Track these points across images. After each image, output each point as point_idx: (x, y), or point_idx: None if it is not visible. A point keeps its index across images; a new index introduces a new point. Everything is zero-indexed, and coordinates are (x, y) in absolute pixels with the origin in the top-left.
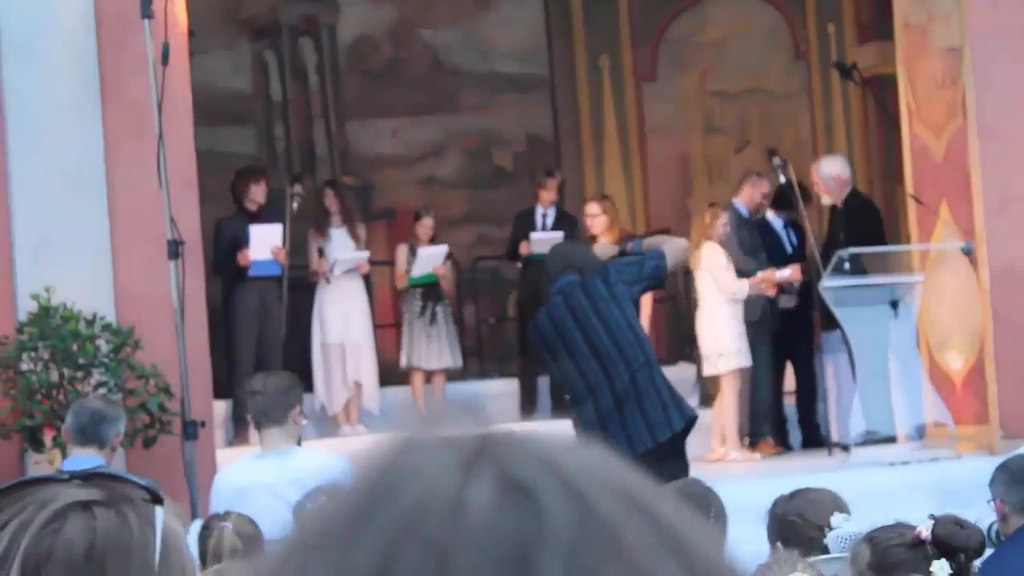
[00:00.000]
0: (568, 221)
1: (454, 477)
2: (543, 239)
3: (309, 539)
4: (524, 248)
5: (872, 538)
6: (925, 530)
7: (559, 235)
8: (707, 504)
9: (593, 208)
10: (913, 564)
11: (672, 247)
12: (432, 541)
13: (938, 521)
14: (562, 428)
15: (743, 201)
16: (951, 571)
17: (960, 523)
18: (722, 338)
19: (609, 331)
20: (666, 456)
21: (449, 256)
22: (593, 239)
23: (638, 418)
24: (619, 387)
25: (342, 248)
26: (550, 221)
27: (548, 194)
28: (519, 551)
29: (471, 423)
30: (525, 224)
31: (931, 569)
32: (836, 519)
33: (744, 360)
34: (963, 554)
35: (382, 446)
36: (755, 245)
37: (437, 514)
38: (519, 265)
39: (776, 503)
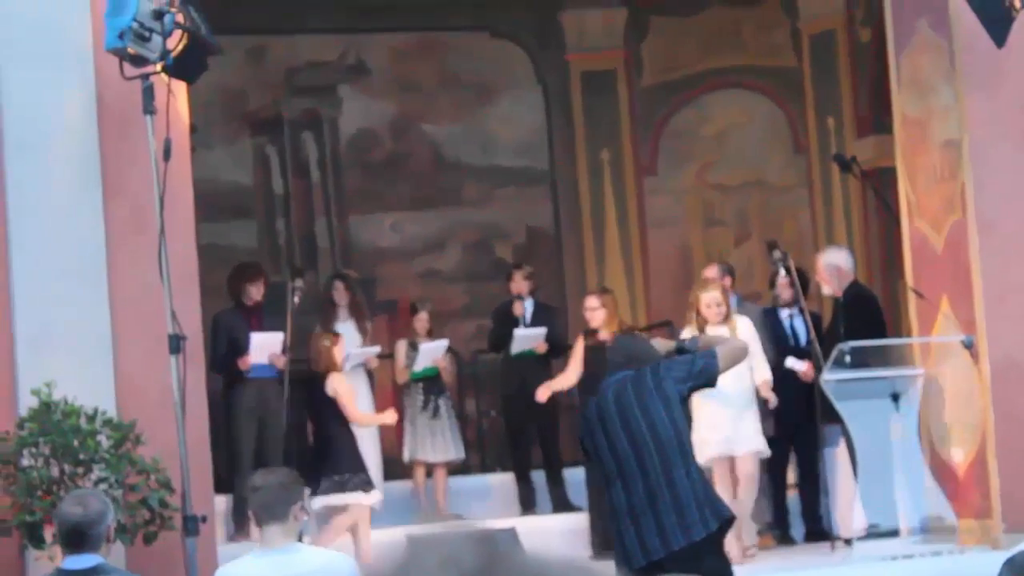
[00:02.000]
0: (547, 313)
1: None
2: (526, 336)
3: None
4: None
5: (1012, 560)
6: None
7: (541, 332)
8: None
9: (592, 302)
10: None
11: (727, 348)
12: None
13: None
14: (569, 524)
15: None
16: None
17: None
18: (703, 426)
19: (650, 423)
20: (705, 554)
21: (448, 350)
22: (593, 333)
23: (672, 516)
24: (653, 480)
25: (350, 342)
26: (529, 313)
27: (517, 285)
28: None
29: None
30: (505, 318)
31: None
32: None
33: (736, 448)
34: None
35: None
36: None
37: None
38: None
39: None
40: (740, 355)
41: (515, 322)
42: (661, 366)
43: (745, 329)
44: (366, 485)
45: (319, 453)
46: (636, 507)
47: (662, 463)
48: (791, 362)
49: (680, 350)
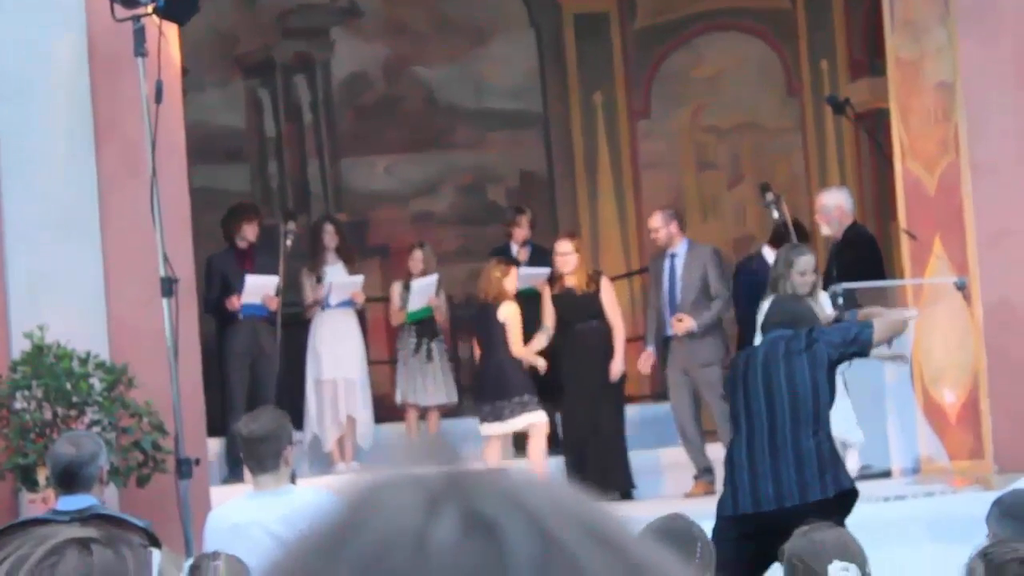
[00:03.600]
0: (545, 257)
1: (419, 514)
2: (530, 275)
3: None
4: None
5: (987, 553)
6: None
7: (545, 271)
8: (692, 540)
9: (566, 246)
10: None
11: (885, 321)
12: None
13: None
14: (556, 466)
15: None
16: None
17: None
18: None
19: (790, 381)
20: (824, 513)
21: (440, 289)
22: (560, 279)
23: (792, 472)
24: (779, 437)
25: (339, 285)
26: (524, 258)
27: (520, 231)
28: None
29: (443, 460)
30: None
31: None
32: (833, 568)
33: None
34: None
35: (354, 484)
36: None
37: (401, 550)
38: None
39: (792, 536)
40: (899, 328)
41: (516, 265)
42: (817, 328)
43: (825, 302)
44: (538, 405)
45: (492, 379)
46: (756, 459)
47: (792, 421)
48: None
49: (838, 319)
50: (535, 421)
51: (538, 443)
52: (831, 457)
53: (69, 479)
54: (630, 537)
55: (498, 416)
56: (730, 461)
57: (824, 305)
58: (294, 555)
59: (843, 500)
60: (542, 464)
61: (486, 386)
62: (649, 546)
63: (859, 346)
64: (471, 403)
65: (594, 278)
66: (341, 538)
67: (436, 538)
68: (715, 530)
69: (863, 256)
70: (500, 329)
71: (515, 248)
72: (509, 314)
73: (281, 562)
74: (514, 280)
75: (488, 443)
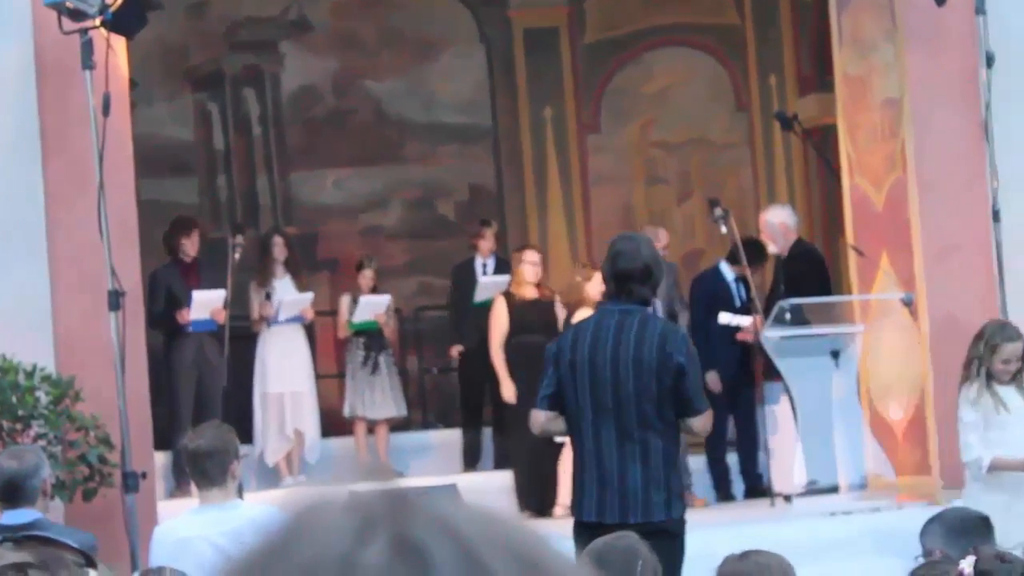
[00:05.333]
0: (506, 269)
1: (349, 537)
2: (491, 283)
3: None
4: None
5: (942, 516)
6: (968, 566)
7: (506, 279)
8: (635, 557)
9: (535, 256)
10: None
11: (704, 423)
12: None
13: (981, 556)
14: (459, 481)
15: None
16: None
17: (1002, 556)
18: None
19: (639, 381)
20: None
21: (390, 307)
22: (519, 288)
23: (638, 471)
24: (630, 434)
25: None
26: (490, 271)
27: (486, 243)
28: None
29: (379, 483)
30: (465, 276)
31: None
32: None
33: None
34: None
35: (289, 503)
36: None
37: (330, 573)
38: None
39: (725, 562)
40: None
41: (472, 278)
42: (683, 349)
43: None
44: None
45: None
46: (604, 464)
47: (638, 417)
48: (725, 318)
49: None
50: None
51: None
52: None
53: (12, 493)
54: (559, 562)
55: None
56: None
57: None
58: (226, 574)
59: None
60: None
61: None
62: (578, 570)
63: (682, 408)
64: (418, 417)
65: (548, 289)
66: (272, 558)
67: (364, 562)
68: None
69: (809, 271)
70: None
71: (480, 261)
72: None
73: None
74: (596, 285)
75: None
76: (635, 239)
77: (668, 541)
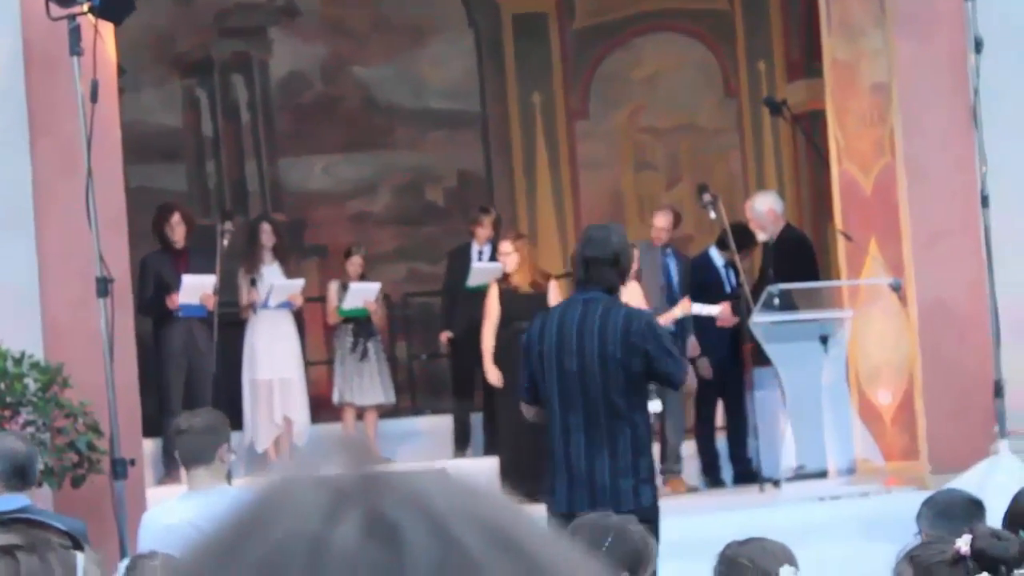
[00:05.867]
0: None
1: (321, 516)
2: (484, 269)
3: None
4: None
5: (913, 556)
6: (964, 545)
7: (499, 266)
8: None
9: (506, 247)
10: None
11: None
12: None
13: (977, 535)
14: (448, 466)
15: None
16: None
17: (998, 535)
18: None
19: (604, 371)
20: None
21: (380, 295)
22: (506, 277)
23: (605, 459)
24: (596, 424)
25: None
26: (486, 258)
27: (484, 231)
28: None
29: (357, 460)
30: (460, 261)
31: None
32: (785, 571)
33: None
34: (1003, 565)
35: (261, 481)
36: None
37: (300, 553)
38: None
39: (729, 545)
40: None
41: (469, 264)
42: (647, 332)
43: None
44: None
45: None
46: (572, 457)
47: (606, 405)
48: (697, 308)
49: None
50: (655, 410)
51: None
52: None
53: (17, 475)
54: (539, 542)
55: None
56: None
57: None
58: (194, 554)
59: None
60: None
61: None
62: (559, 550)
63: (662, 381)
64: (407, 403)
65: (542, 279)
66: (241, 538)
67: (335, 541)
68: None
69: (797, 257)
70: None
71: (476, 248)
72: (633, 297)
73: (181, 561)
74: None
75: None
76: (607, 228)
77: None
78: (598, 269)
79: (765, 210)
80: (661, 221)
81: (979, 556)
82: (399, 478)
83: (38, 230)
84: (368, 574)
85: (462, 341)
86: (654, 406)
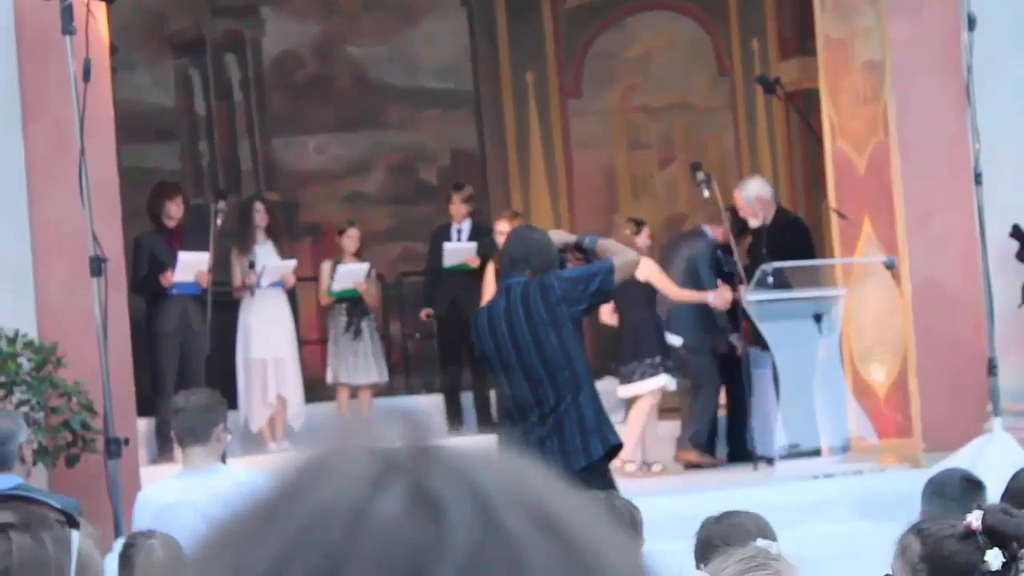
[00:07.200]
0: (484, 235)
1: (364, 485)
2: (456, 249)
3: (215, 539)
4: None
5: (922, 530)
6: (975, 520)
7: (472, 245)
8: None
9: (502, 225)
10: (965, 555)
11: (624, 259)
12: (329, 547)
13: (987, 511)
14: (489, 444)
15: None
16: (1004, 559)
17: (1009, 512)
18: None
19: (541, 353)
20: (590, 477)
21: (371, 273)
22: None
23: (555, 443)
24: (546, 410)
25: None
26: (465, 236)
27: (456, 208)
28: (414, 564)
29: (404, 433)
30: (442, 240)
31: (985, 559)
32: (760, 544)
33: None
34: (1015, 542)
35: (305, 451)
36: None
37: (339, 520)
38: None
39: (703, 525)
40: (632, 268)
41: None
42: (556, 287)
43: None
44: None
45: (628, 341)
46: (529, 434)
47: (554, 392)
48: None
49: (579, 246)
50: (661, 384)
51: (643, 405)
52: (595, 418)
53: None
54: (583, 529)
55: (627, 378)
56: (507, 442)
57: None
58: (233, 519)
59: (608, 453)
60: (636, 427)
61: (621, 348)
62: (603, 538)
63: (602, 296)
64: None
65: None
66: (280, 504)
67: (377, 511)
68: None
69: (793, 239)
70: (636, 290)
71: (455, 227)
72: (650, 271)
73: (220, 525)
74: (644, 238)
75: (638, 403)
76: (531, 228)
77: (591, 476)
78: (517, 265)
79: (754, 196)
80: (499, 226)
81: (990, 532)
82: (448, 453)
83: (31, 210)
84: (406, 547)
85: (445, 320)
86: (661, 380)
